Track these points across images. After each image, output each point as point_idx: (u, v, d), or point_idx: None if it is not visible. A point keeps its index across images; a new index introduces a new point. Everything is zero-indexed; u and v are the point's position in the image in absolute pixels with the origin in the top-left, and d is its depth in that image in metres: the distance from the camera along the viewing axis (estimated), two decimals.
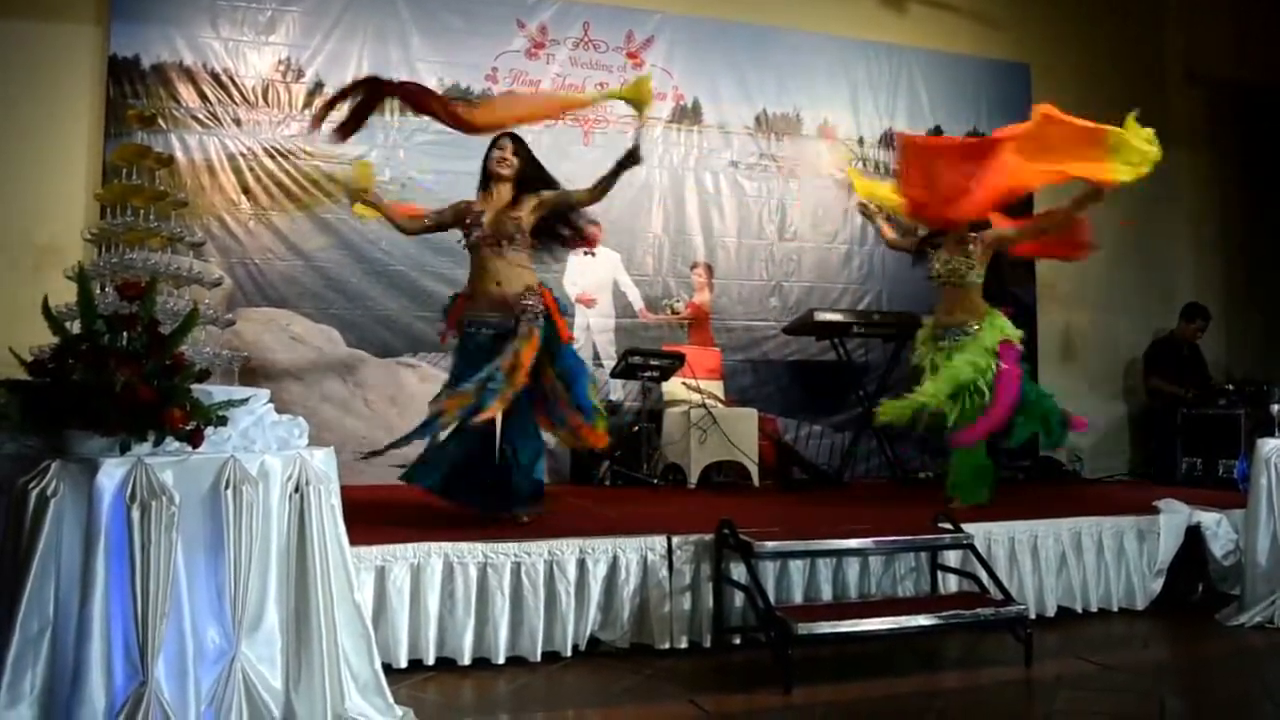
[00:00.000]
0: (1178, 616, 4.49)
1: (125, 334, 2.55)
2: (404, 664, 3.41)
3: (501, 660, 3.52)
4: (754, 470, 6.20)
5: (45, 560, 2.28)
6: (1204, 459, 6.81)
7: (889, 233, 5.75)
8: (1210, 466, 6.73)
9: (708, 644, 3.79)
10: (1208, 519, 4.66)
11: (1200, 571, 4.68)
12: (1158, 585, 4.56)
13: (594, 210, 6.81)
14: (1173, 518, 4.62)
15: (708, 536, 3.83)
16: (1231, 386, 7.09)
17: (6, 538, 2.31)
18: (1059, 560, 4.42)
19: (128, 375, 2.40)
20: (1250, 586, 4.26)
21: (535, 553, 3.63)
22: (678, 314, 7.01)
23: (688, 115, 7.18)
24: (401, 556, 3.48)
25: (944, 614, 3.73)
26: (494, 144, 4.43)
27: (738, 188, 7.26)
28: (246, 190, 6.12)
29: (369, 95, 4.27)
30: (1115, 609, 4.49)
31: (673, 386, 6.46)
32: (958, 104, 7.86)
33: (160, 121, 5.85)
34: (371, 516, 3.91)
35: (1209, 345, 7.84)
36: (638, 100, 4.38)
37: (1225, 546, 4.61)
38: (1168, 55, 8.55)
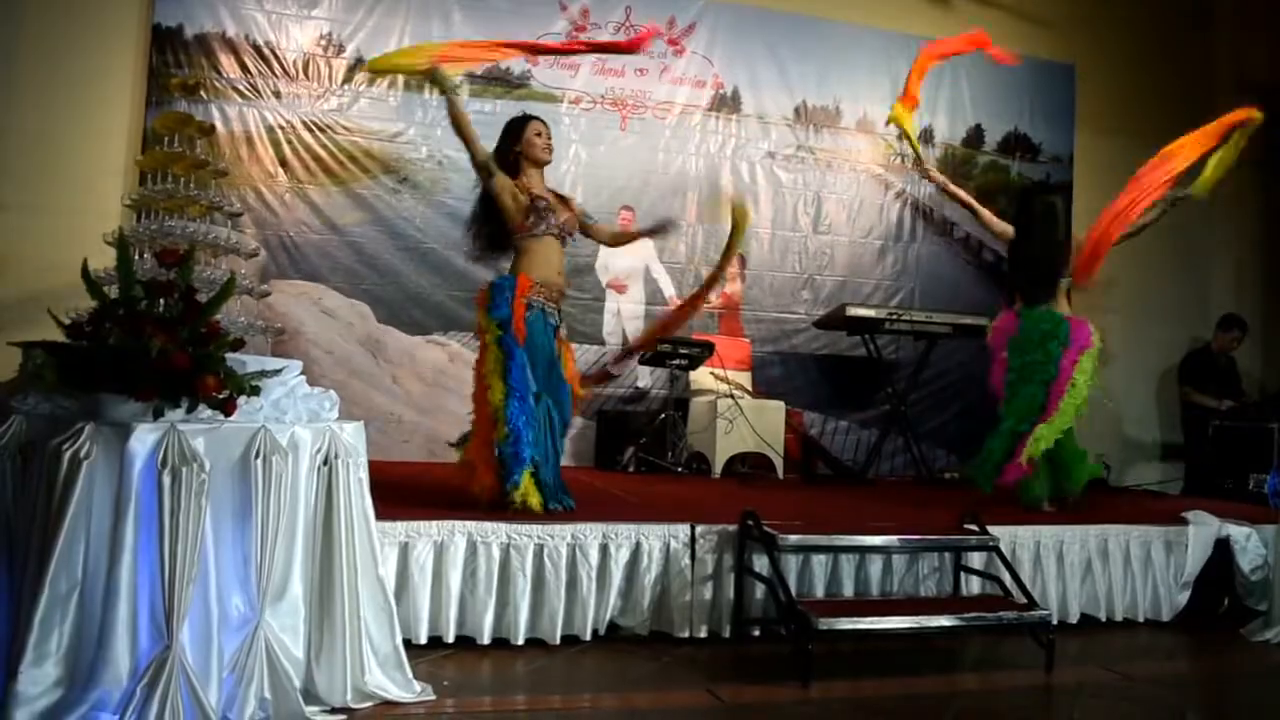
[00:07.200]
0: (1203, 630, 4.43)
1: (162, 300, 2.57)
2: (424, 640, 3.42)
3: (521, 641, 3.52)
4: (779, 463, 6.19)
5: (76, 522, 2.30)
6: (1235, 472, 6.72)
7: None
8: (1241, 480, 6.64)
9: (727, 634, 3.78)
10: (1237, 532, 4.58)
11: (1227, 585, 4.61)
12: (1184, 597, 4.50)
13: (628, 194, 6.86)
14: (1201, 530, 4.56)
15: (731, 527, 3.82)
16: (1265, 400, 6.98)
17: (38, 498, 2.33)
18: (1084, 567, 4.37)
19: (163, 341, 2.42)
20: (1278, 602, 4.20)
21: (559, 535, 3.63)
22: (709, 303, 6.98)
23: (726, 104, 7.15)
24: (425, 533, 3.49)
25: (966, 615, 3.70)
26: (528, 125, 4.24)
27: (774, 178, 7.22)
28: (284, 163, 6.15)
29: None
30: (1140, 619, 4.44)
31: (701, 375, 6.46)
32: (1001, 102, 7.78)
33: (201, 91, 5.90)
34: (397, 492, 3.93)
35: (1244, 357, 7.72)
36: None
37: (1254, 561, 4.53)
38: (1217, 60, 8.39)
